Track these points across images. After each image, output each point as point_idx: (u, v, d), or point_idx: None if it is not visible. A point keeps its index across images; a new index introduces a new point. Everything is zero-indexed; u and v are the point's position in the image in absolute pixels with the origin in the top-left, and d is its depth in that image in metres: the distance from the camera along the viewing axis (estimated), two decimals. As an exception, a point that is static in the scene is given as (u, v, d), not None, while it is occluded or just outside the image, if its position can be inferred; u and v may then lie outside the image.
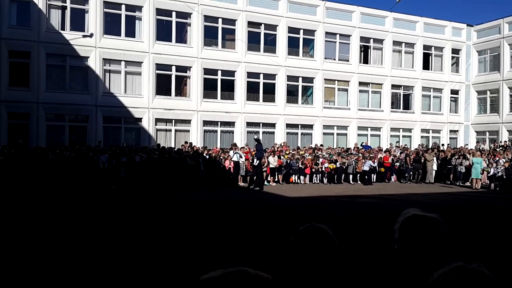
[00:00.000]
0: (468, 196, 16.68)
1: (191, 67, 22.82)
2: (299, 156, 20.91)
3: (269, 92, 24.71)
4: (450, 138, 29.45)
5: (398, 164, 22.68)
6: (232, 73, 23.70)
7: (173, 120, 22.66)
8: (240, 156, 19.26)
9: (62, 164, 16.88)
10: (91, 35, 20.77)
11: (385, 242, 1.94)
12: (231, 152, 19.58)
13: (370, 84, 27.14)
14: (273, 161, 19.75)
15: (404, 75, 27.89)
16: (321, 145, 24.04)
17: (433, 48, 28.94)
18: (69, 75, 20.80)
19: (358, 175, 21.52)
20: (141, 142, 21.40)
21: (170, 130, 22.75)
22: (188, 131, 23.00)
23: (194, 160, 18.59)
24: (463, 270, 1.08)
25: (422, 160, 22.15)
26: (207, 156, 19.51)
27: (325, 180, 21.02)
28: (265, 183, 19.75)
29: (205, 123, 23.24)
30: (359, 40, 26.67)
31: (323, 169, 20.93)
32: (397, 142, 26.67)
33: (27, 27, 19.87)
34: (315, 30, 25.49)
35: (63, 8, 20.68)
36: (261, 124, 24.41)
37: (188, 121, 22.93)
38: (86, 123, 20.97)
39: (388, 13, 27.43)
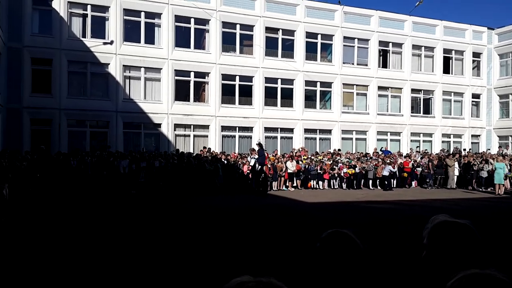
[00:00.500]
0: (490, 202, 16.28)
1: (209, 73, 22.98)
2: (317, 161, 20.80)
3: (287, 97, 24.68)
4: (472, 143, 28.91)
5: (419, 169, 22.35)
6: (250, 78, 23.77)
7: (192, 126, 22.82)
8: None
9: (83, 169, 17.18)
10: (111, 42, 21.14)
11: (410, 248, 1.90)
12: (249, 158, 19.61)
13: (390, 88, 26.87)
14: (291, 166, 19.70)
15: (424, 79, 27.54)
16: (339, 149, 23.88)
17: (453, 51, 28.52)
18: (90, 81, 21.16)
19: (378, 180, 21.30)
20: (160, 148, 21.64)
21: (189, 136, 22.91)
22: (207, 136, 23.13)
23: (213, 165, 18.68)
24: (476, 275, 1.07)
25: (444, 165, 21.79)
26: (225, 161, 19.59)
27: (344, 186, 20.86)
28: (283, 188, 19.74)
29: (223, 128, 23.33)
30: (378, 44, 26.46)
31: (342, 174, 20.78)
32: (417, 147, 26.27)
33: (49, 35, 20.32)
34: (333, 35, 25.40)
35: (84, 16, 21.11)
36: (279, 129, 24.38)
37: (206, 127, 23.07)
38: (107, 129, 21.28)
39: (407, 17, 27.18)
